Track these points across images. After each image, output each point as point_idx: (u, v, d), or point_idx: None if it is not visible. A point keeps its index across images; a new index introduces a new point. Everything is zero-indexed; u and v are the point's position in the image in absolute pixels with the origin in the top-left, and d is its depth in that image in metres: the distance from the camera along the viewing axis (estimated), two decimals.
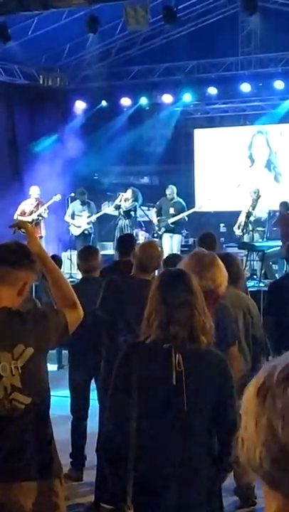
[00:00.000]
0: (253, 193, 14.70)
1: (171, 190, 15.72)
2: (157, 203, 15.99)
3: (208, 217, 17.03)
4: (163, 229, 15.51)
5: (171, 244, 15.31)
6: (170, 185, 15.95)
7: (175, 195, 15.71)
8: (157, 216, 15.72)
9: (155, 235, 16.35)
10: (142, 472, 3.27)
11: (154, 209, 16.04)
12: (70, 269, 14.92)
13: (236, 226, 14.75)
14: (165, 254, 14.81)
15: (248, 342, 5.68)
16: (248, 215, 14.44)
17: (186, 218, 15.64)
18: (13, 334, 3.29)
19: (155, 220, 15.79)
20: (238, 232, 14.81)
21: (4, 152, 17.71)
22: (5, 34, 15.17)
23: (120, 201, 15.55)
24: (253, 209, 14.50)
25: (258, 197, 14.70)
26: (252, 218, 14.46)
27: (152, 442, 3.29)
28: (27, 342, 3.28)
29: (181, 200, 15.74)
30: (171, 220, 15.37)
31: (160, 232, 15.61)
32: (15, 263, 3.40)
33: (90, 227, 15.70)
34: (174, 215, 15.40)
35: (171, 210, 15.44)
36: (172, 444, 3.28)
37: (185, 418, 3.28)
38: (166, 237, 15.43)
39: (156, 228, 15.75)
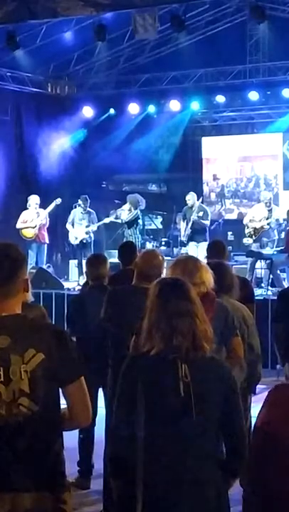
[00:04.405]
0: (267, 202, 14.72)
1: (190, 197, 15.43)
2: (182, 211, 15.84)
3: (216, 226, 17.01)
4: (186, 237, 15.30)
5: (197, 252, 14.96)
6: (190, 192, 15.68)
7: (195, 202, 15.36)
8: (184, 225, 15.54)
9: (162, 244, 16.34)
10: (151, 486, 3.24)
11: (181, 219, 15.90)
12: (78, 277, 14.92)
13: (248, 232, 14.68)
14: None
15: (244, 351, 5.66)
16: (262, 219, 14.43)
17: (207, 223, 15.25)
18: (25, 338, 3.26)
19: (182, 230, 15.57)
20: (249, 240, 14.73)
21: (12, 159, 17.74)
22: (14, 42, 15.24)
23: (120, 214, 15.36)
24: (268, 218, 14.49)
25: (270, 207, 14.72)
26: (273, 224, 14.44)
27: (162, 455, 3.26)
28: (38, 348, 3.24)
29: (203, 206, 15.51)
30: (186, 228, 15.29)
31: (185, 241, 15.41)
32: (10, 277, 3.31)
33: (89, 236, 15.55)
34: (193, 223, 15.20)
35: (192, 218, 15.26)
36: (183, 455, 3.25)
37: (194, 428, 3.26)
38: (191, 245, 15.18)
39: (182, 238, 15.56)
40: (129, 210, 15.24)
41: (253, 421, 5.68)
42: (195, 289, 4.87)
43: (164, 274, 5.46)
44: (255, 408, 5.68)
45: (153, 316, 3.38)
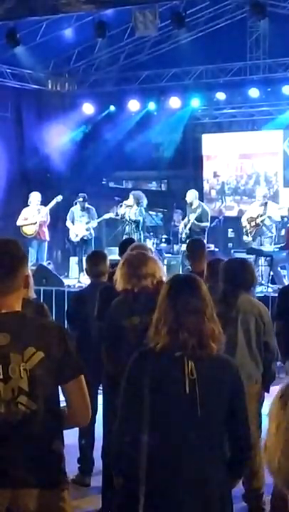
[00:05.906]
0: (262, 198, 14.67)
1: (188, 194, 15.26)
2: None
3: (217, 223, 16.98)
4: (185, 236, 15.22)
5: None
6: (190, 190, 15.51)
7: (193, 200, 15.17)
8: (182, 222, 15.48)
9: (162, 241, 16.29)
10: (154, 484, 3.22)
11: (180, 217, 15.82)
12: (78, 274, 14.91)
13: (244, 231, 14.65)
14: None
15: (260, 348, 5.63)
16: (257, 217, 14.37)
17: (206, 225, 15.06)
18: (25, 337, 3.25)
19: (181, 228, 15.51)
20: (247, 238, 14.70)
21: (13, 156, 17.72)
22: (14, 39, 15.21)
23: (124, 210, 15.26)
24: (262, 215, 14.42)
25: (266, 203, 14.65)
26: (267, 222, 14.36)
27: (166, 453, 3.25)
28: (38, 346, 3.24)
29: (203, 206, 15.36)
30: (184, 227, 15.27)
31: (183, 240, 15.34)
32: (9, 273, 3.31)
33: (89, 233, 15.52)
34: (192, 222, 15.08)
35: (190, 216, 15.06)
36: (187, 453, 3.24)
37: (199, 426, 3.25)
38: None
39: (181, 235, 15.49)
40: (132, 206, 15.19)
41: (263, 419, 5.70)
42: (143, 282, 4.96)
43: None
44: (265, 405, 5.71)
45: (162, 312, 3.37)
